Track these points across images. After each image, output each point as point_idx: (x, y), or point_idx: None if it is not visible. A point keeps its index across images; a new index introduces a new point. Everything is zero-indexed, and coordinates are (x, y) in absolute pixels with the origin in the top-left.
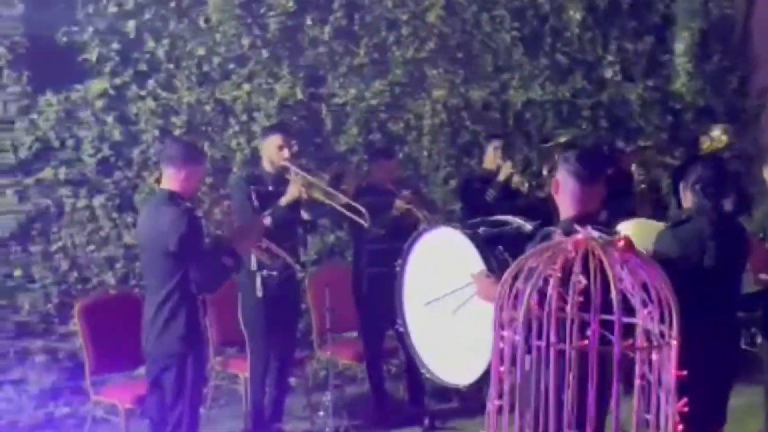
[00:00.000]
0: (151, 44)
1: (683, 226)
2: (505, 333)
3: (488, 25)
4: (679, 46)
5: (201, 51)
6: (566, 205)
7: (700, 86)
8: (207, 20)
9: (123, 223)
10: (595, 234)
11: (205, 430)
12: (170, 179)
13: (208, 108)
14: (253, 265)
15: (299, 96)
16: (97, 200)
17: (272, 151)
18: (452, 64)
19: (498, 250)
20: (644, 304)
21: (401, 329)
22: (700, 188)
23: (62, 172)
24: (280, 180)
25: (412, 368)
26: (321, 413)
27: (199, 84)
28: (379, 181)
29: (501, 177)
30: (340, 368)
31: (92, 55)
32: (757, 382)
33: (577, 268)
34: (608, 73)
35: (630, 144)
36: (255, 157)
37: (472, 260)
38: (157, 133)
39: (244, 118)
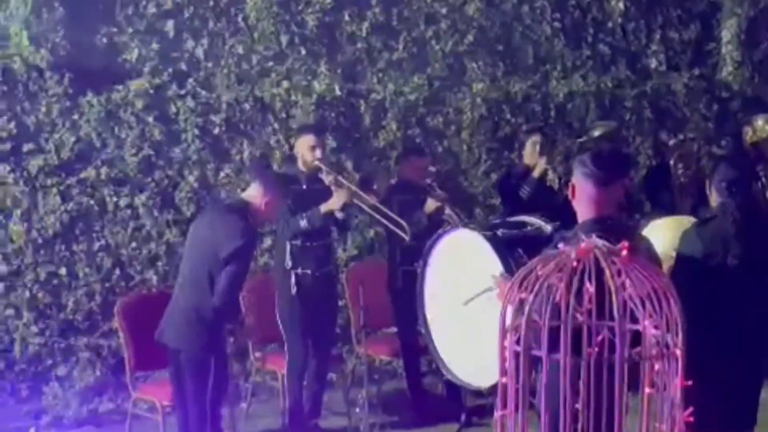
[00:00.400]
0: (190, 43)
1: (708, 225)
2: (507, 342)
3: (528, 16)
4: (726, 34)
5: (240, 49)
6: (583, 209)
7: (748, 75)
8: (245, 19)
9: (164, 222)
10: (599, 242)
11: (245, 426)
12: (254, 194)
13: (246, 106)
14: (288, 263)
15: (337, 92)
16: (139, 199)
17: (305, 150)
18: (492, 57)
19: (518, 253)
20: (649, 314)
21: (422, 330)
22: (725, 187)
23: (104, 172)
24: (314, 179)
25: None
26: (357, 410)
27: (238, 82)
28: (412, 178)
29: (535, 173)
30: (378, 364)
31: (132, 56)
32: None
33: (584, 276)
34: (653, 63)
35: (674, 135)
36: (294, 155)
37: (492, 263)
38: (197, 132)
39: (283, 115)
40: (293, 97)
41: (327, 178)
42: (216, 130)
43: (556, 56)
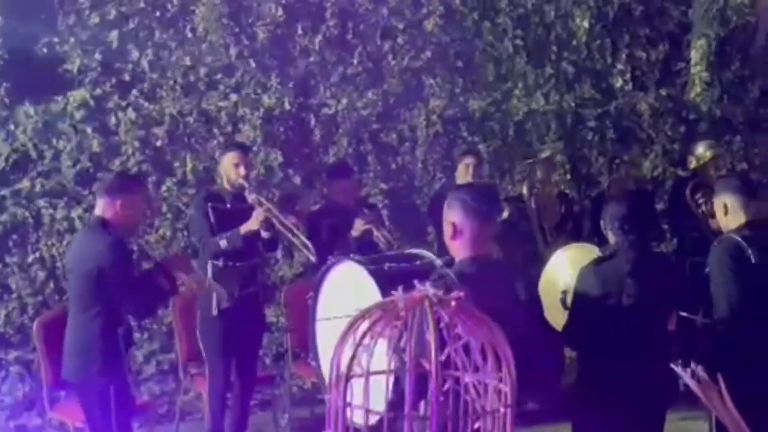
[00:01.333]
0: (135, 54)
1: (605, 263)
2: (331, 395)
3: (490, 33)
4: (695, 54)
5: (187, 61)
6: (464, 246)
7: (717, 96)
8: (193, 30)
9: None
10: (431, 291)
11: None
12: (103, 208)
13: (190, 119)
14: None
15: (286, 106)
16: (76, 211)
17: (229, 168)
18: (451, 74)
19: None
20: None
21: (313, 363)
22: (618, 226)
23: (40, 183)
24: (239, 198)
25: None
26: None
27: (185, 94)
28: (339, 200)
29: None
30: (309, 387)
31: (74, 66)
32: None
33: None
34: (618, 83)
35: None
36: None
37: (375, 298)
38: (137, 144)
39: (229, 129)
40: (240, 111)
41: (249, 197)
42: (158, 143)
43: (518, 74)
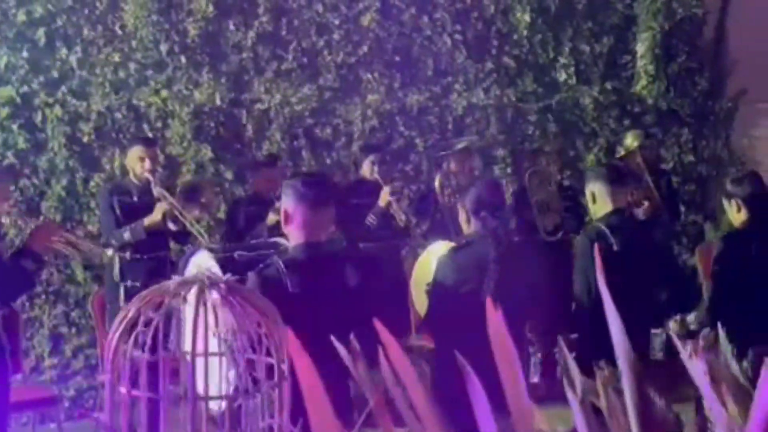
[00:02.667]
0: (63, 52)
1: (462, 251)
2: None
3: (428, 28)
4: (641, 47)
5: (116, 57)
6: (297, 233)
7: (663, 88)
8: (123, 27)
9: (29, 229)
10: (206, 273)
11: None
12: None
13: (119, 115)
14: (116, 276)
15: (217, 102)
16: (1, 207)
17: (134, 162)
18: (389, 68)
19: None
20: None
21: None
22: (476, 213)
23: None
24: (145, 191)
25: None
26: None
27: (115, 91)
28: (262, 190)
29: (381, 203)
30: None
31: (0, 64)
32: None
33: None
34: (562, 76)
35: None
36: (170, 164)
37: None
38: (63, 140)
39: (159, 124)
40: (170, 107)
41: (155, 191)
42: (85, 139)
43: (458, 69)
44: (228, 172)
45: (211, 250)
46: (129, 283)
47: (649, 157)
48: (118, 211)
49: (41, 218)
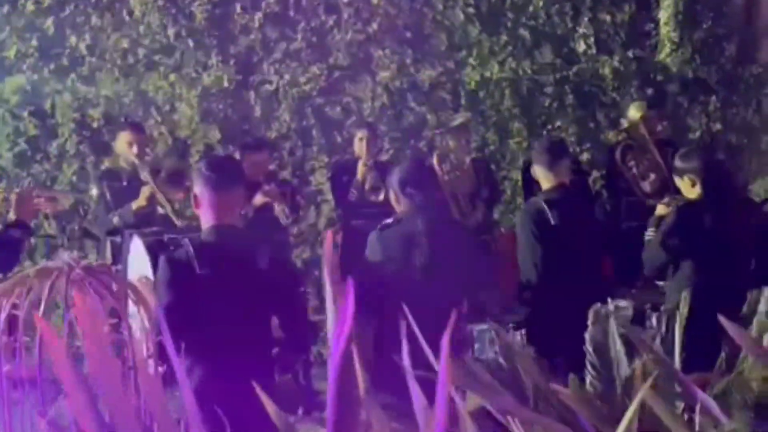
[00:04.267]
0: (72, 39)
1: (389, 229)
2: None
3: (440, 2)
4: (664, 14)
5: (124, 43)
6: (206, 214)
7: (688, 56)
8: (130, 13)
9: (42, 215)
10: (65, 259)
11: None
12: None
13: (126, 100)
14: (108, 259)
15: (225, 84)
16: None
17: (123, 147)
18: (400, 45)
19: None
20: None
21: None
22: (402, 190)
23: None
24: (135, 175)
25: None
26: None
27: (124, 76)
28: (249, 173)
29: (359, 176)
30: None
31: (10, 53)
32: None
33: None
34: (581, 47)
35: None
36: (180, 146)
37: (146, 267)
38: (73, 126)
39: (167, 108)
40: (178, 90)
41: (142, 175)
42: (95, 124)
43: (472, 43)
44: (237, 153)
45: (142, 234)
46: (121, 266)
47: (654, 128)
48: (108, 196)
49: (18, 187)
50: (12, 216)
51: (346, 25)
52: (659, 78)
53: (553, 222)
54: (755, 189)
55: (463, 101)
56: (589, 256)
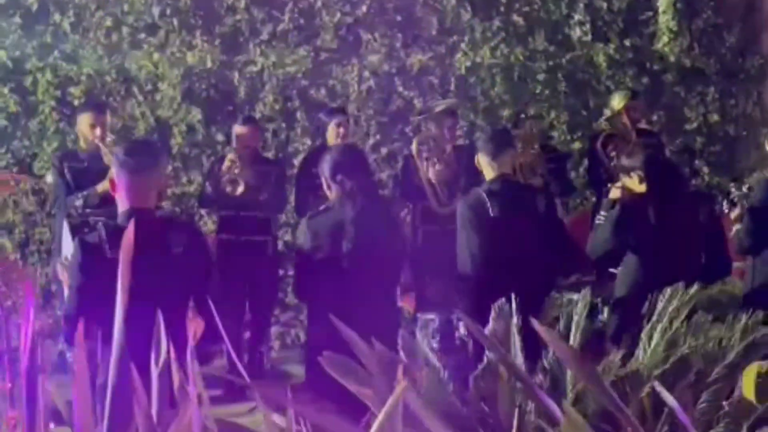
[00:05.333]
0: (56, 16)
1: (318, 217)
2: None
3: None
4: (662, 3)
5: (109, 21)
6: (121, 198)
7: (687, 45)
8: None
9: (21, 191)
10: None
11: None
12: None
13: (108, 78)
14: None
15: (208, 64)
16: None
17: (85, 129)
18: (390, 28)
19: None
20: None
21: None
22: (332, 177)
23: None
24: (95, 158)
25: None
26: None
27: (108, 55)
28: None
29: None
30: None
31: None
32: None
33: None
34: (576, 33)
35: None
36: (160, 126)
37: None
38: (54, 103)
39: (149, 87)
40: (161, 69)
41: (106, 158)
42: (75, 102)
43: (464, 27)
44: (219, 134)
45: (68, 215)
46: None
47: (637, 118)
48: (68, 177)
49: None
50: None
51: (334, 7)
52: (656, 67)
53: (492, 214)
54: (751, 182)
55: (452, 86)
56: (528, 249)
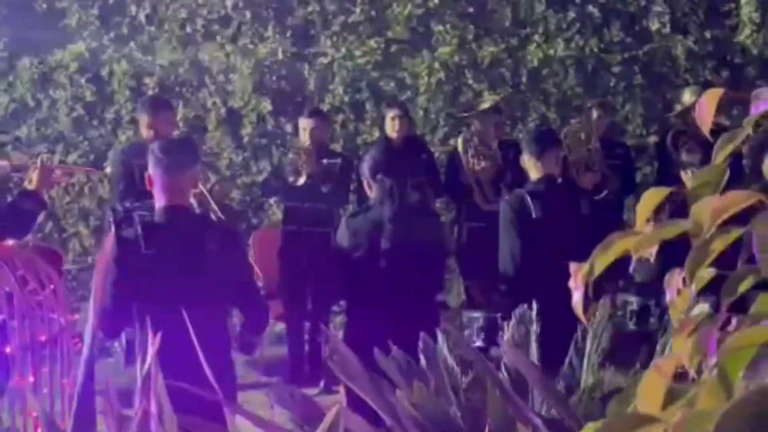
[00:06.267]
0: (132, 8)
1: (359, 216)
2: None
3: None
4: None
5: (183, 13)
6: (158, 195)
7: None
8: None
9: (97, 178)
10: None
11: None
12: None
13: (181, 69)
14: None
15: (279, 56)
16: (72, 156)
17: (141, 128)
18: (462, 20)
19: None
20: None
21: None
22: (373, 177)
23: (38, 131)
24: None
25: (312, 330)
26: None
27: (182, 46)
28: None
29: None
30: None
31: (72, 21)
32: None
33: None
34: (654, 25)
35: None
36: (231, 117)
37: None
38: (128, 93)
39: (221, 78)
40: (233, 61)
41: None
42: (150, 92)
43: (537, 19)
44: (288, 125)
45: (113, 209)
46: None
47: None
48: (137, 174)
49: (38, 156)
50: (29, 186)
51: None
52: (737, 60)
53: (534, 215)
54: None
55: (523, 79)
56: (569, 252)
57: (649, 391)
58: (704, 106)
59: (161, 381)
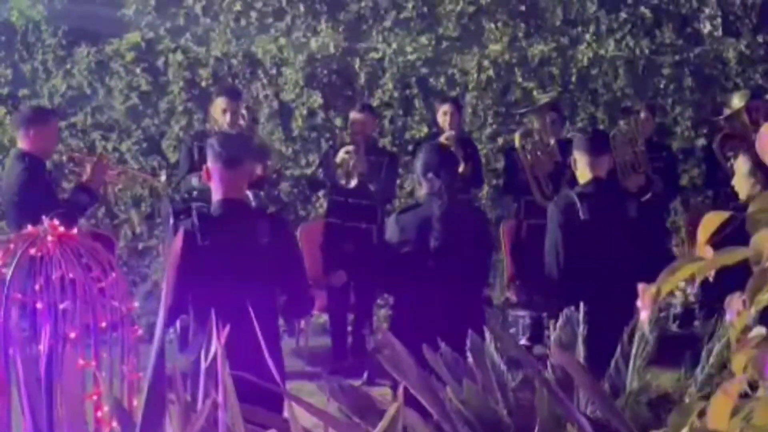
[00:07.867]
0: (189, 0)
1: (407, 212)
2: None
3: None
4: None
5: (238, 6)
6: (215, 188)
7: None
8: None
9: (149, 166)
10: (46, 225)
11: None
12: (21, 140)
13: (234, 61)
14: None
15: (331, 50)
16: (126, 144)
17: (217, 113)
18: (513, 18)
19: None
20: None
21: None
22: (424, 174)
23: (94, 118)
24: None
25: (356, 322)
26: None
27: (236, 38)
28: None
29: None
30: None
31: (130, 10)
32: None
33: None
34: (706, 28)
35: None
36: (283, 109)
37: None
38: (183, 84)
39: (273, 71)
40: (285, 54)
41: None
42: (203, 83)
43: (589, 19)
44: (337, 118)
45: (171, 200)
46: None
47: (758, 119)
48: (197, 157)
49: (97, 153)
50: (84, 177)
51: None
52: None
53: (582, 217)
54: None
55: (573, 78)
56: (617, 255)
57: (718, 409)
58: (756, 111)
59: (228, 372)
